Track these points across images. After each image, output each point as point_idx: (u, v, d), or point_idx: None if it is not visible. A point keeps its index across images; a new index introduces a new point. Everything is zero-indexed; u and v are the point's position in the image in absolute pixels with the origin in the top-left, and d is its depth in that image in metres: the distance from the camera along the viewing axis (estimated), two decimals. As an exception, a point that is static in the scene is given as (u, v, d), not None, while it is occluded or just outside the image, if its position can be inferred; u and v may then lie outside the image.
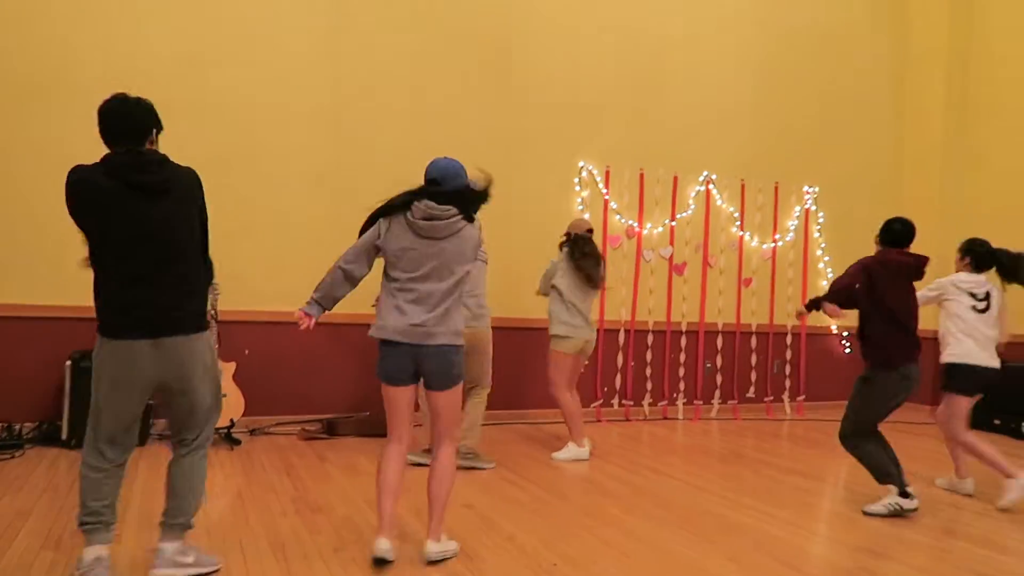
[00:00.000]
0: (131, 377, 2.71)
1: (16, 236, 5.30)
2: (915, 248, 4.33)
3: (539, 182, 6.75)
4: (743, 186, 7.63)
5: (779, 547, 3.59)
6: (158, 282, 2.70)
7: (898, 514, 4.12)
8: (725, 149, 7.57)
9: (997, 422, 6.83)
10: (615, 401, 7.11)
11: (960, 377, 4.53)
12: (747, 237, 7.66)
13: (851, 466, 4.42)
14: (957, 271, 4.70)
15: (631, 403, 7.15)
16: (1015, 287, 4.52)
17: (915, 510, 4.15)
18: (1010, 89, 7.64)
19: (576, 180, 6.99)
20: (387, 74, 6.32)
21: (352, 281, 3.22)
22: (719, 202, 7.54)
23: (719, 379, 7.53)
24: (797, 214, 7.90)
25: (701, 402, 7.43)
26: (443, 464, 3.23)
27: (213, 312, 4.95)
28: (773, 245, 7.78)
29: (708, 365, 7.51)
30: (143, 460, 4.56)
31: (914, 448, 6.04)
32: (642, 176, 7.20)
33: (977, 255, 4.61)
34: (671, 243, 7.35)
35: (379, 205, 3.21)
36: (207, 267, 2.95)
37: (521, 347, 6.57)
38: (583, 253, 5.32)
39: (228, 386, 5.29)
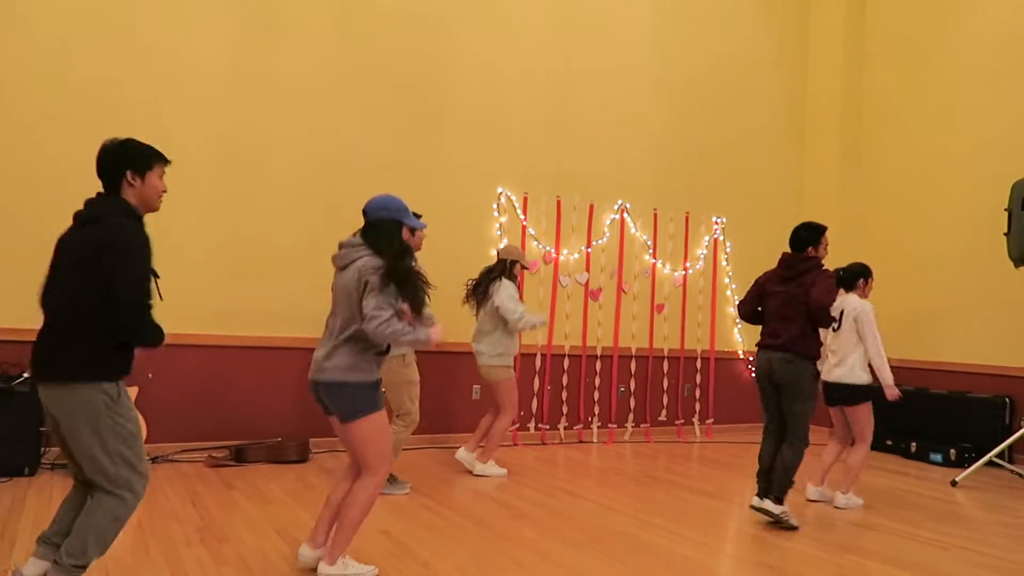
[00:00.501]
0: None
1: None
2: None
3: (457, 207, 6.78)
4: (656, 215, 7.88)
5: (688, 567, 3.68)
6: (46, 322, 2.69)
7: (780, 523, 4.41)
8: (639, 179, 7.81)
9: (889, 443, 7.21)
10: (531, 425, 7.15)
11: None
12: (659, 264, 7.90)
13: (755, 487, 4.59)
14: None
15: (547, 427, 7.21)
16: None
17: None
18: (899, 129, 8.21)
19: (495, 206, 7.06)
20: (301, 100, 6.24)
21: None
22: (633, 230, 7.76)
23: (632, 403, 7.69)
24: (706, 243, 8.21)
25: (615, 425, 7.56)
26: (353, 491, 3.20)
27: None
28: (684, 273, 8.05)
29: (622, 389, 7.66)
30: (31, 490, 4.30)
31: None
32: (559, 203, 7.34)
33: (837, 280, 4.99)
34: (587, 269, 7.50)
35: None
36: (126, 325, 2.62)
37: (443, 372, 6.55)
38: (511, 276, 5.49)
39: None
